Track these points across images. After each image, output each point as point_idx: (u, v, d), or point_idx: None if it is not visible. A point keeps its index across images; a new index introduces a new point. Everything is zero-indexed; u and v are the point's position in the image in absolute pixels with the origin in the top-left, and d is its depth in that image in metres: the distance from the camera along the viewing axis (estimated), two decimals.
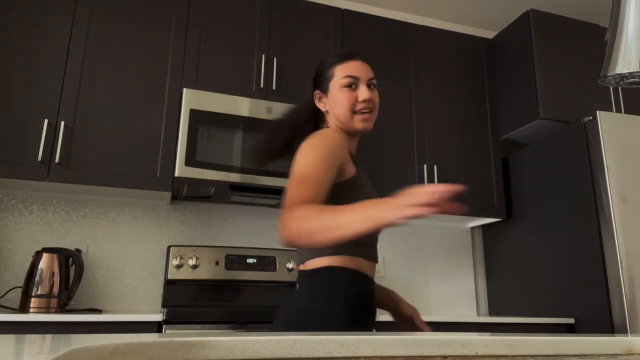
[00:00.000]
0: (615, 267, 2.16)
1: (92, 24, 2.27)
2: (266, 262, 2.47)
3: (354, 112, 1.27)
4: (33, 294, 1.94)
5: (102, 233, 2.39)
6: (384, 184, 2.56)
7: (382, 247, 2.84)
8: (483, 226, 3.06)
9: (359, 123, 1.27)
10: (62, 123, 2.10)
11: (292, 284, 2.52)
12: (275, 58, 2.50)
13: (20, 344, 0.57)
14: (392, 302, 1.40)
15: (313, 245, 0.99)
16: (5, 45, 2.12)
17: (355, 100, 1.27)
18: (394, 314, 1.41)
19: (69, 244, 2.32)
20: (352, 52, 1.34)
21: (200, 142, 2.21)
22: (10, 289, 2.14)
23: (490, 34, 3.48)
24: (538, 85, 2.67)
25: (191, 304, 2.36)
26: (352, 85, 1.28)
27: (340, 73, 1.29)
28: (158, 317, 1.84)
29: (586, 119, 2.39)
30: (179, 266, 2.33)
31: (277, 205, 2.63)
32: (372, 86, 1.30)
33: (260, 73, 2.47)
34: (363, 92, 1.27)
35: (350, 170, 1.25)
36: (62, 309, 2.00)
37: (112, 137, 2.19)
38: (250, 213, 2.64)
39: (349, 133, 1.31)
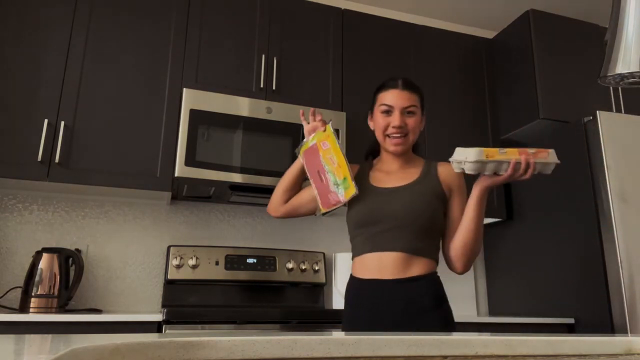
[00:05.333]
0: (615, 267, 2.16)
1: (92, 25, 2.27)
2: (266, 262, 2.47)
3: (386, 135, 1.46)
4: (33, 294, 1.94)
5: (102, 233, 2.38)
6: None
7: None
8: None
9: (390, 146, 1.46)
10: (62, 123, 2.10)
11: (292, 284, 2.52)
12: (275, 58, 2.50)
13: (20, 344, 0.58)
14: None
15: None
16: (5, 45, 2.12)
17: (388, 125, 1.45)
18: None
19: (69, 244, 2.32)
20: (396, 80, 1.49)
21: (200, 142, 2.21)
22: (10, 289, 2.14)
23: (490, 34, 3.48)
24: (538, 85, 2.67)
25: (191, 304, 2.36)
26: (388, 112, 1.45)
27: (380, 100, 1.49)
28: (158, 317, 1.84)
29: (586, 119, 2.39)
30: (179, 266, 2.33)
31: None
32: (408, 113, 1.45)
33: (260, 73, 2.46)
34: (395, 120, 1.43)
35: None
36: (62, 309, 2.00)
37: (112, 137, 2.18)
38: (250, 213, 2.64)
39: (387, 152, 1.51)
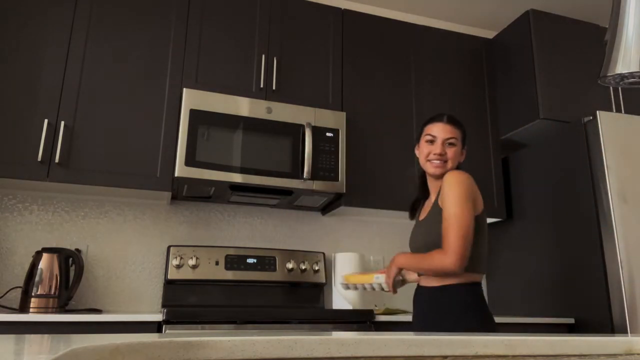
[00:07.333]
0: (615, 267, 2.16)
1: (92, 25, 2.27)
2: (266, 262, 2.47)
3: (428, 160, 1.70)
4: (33, 294, 1.94)
5: (102, 233, 2.38)
6: (384, 185, 2.56)
7: (383, 246, 2.84)
8: None
9: (430, 168, 1.71)
10: (62, 123, 2.10)
11: (292, 284, 2.52)
12: (275, 58, 2.50)
13: (20, 344, 0.58)
14: None
15: None
16: (5, 45, 2.12)
17: (430, 152, 1.69)
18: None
19: (69, 244, 2.32)
20: (442, 115, 1.74)
21: (200, 142, 2.21)
22: (10, 289, 2.14)
23: (490, 34, 3.48)
24: (538, 85, 2.67)
25: (191, 304, 2.36)
26: (432, 141, 1.70)
27: (426, 131, 1.74)
28: (158, 317, 1.84)
29: (586, 119, 2.39)
30: (178, 266, 2.33)
31: (276, 205, 2.63)
32: (449, 144, 1.68)
33: (260, 73, 2.46)
34: (436, 148, 1.68)
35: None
36: (62, 309, 2.00)
37: (112, 137, 2.18)
38: (250, 213, 2.64)
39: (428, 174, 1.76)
